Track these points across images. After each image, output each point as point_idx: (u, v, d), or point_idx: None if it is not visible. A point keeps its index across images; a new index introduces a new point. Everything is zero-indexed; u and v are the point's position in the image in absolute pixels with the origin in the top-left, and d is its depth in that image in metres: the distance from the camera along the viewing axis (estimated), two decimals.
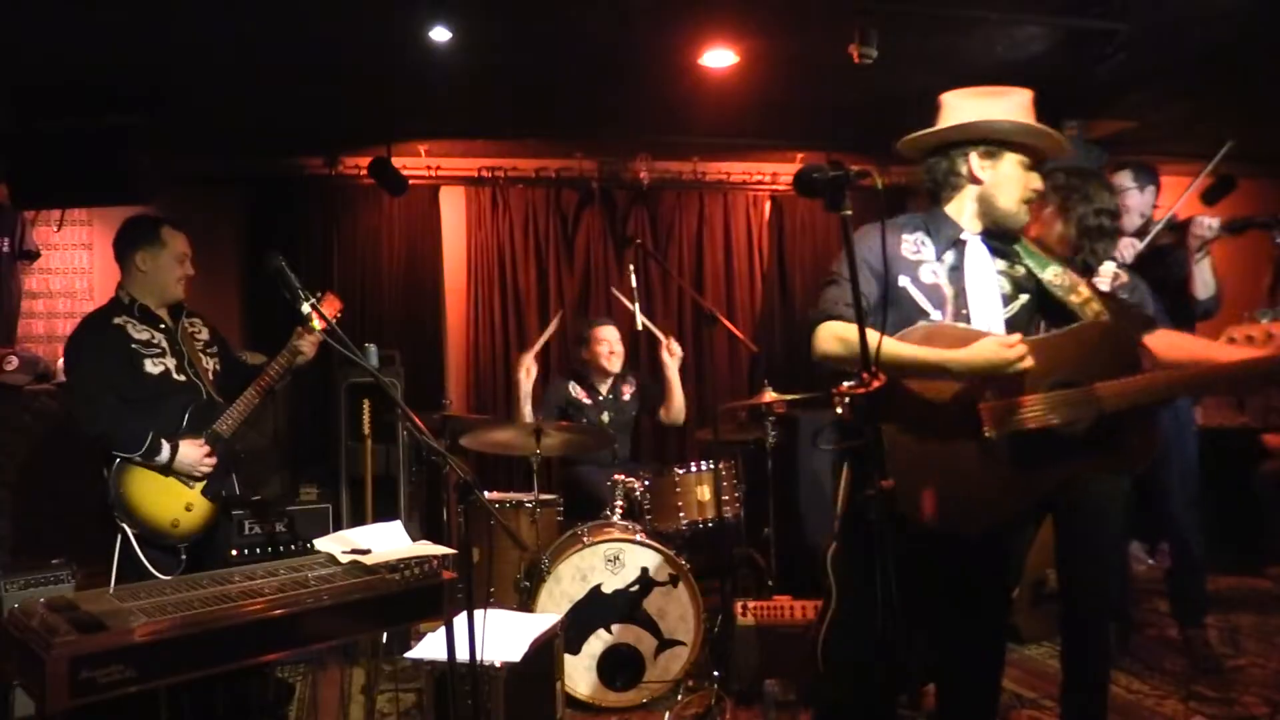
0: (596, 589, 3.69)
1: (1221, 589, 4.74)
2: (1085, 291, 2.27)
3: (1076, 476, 2.23)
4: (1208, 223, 3.56)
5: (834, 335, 2.15)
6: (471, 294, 5.73)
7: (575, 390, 4.64)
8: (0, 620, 2.29)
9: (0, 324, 4.84)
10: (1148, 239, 3.66)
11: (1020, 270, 2.32)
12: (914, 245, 2.25)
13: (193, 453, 3.08)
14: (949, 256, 2.25)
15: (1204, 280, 3.68)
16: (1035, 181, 2.27)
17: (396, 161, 5.26)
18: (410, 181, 5.38)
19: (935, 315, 2.20)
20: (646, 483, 4.08)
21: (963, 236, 2.26)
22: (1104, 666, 3.03)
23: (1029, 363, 2.02)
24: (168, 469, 3.04)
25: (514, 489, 4.96)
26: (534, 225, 5.77)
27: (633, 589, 3.71)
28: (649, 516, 4.01)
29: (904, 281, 2.20)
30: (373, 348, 4.59)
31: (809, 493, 4.85)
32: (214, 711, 2.86)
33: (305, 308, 2.51)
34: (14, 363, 4.74)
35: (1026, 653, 4.14)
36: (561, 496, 4.39)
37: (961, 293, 2.22)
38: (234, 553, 3.82)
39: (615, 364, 4.61)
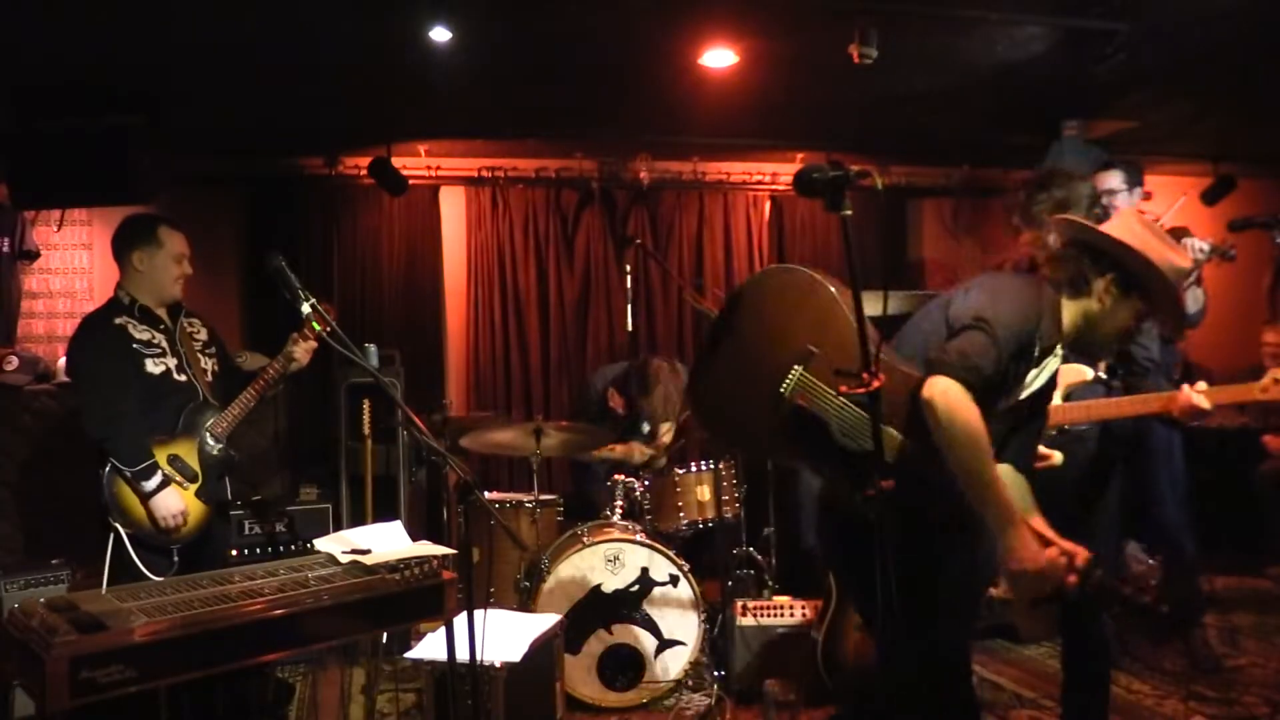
0: (596, 589, 3.69)
1: (1221, 589, 4.74)
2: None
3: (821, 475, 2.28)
4: (1199, 245, 3.56)
5: (950, 407, 1.97)
6: (471, 294, 5.74)
7: (613, 399, 4.63)
8: (0, 620, 2.29)
9: (0, 324, 4.84)
10: None
11: None
12: (1038, 333, 2.15)
13: (174, 502, 3.04)
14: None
15: (1194, 296, 3.69)
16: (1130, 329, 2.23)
17: (396, 161, 5.26)
18: (410, 181, 5.38)
19: (1004, 402, 2.14)
20: (646, 483, 4.08)
21: (1059, 348, 2.20)
22: (1104, 666, 3.04)
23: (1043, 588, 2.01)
24: (145, 499, 3.01)
25: (514, 489, 4.96)
26: (534, 225, 5.78)
27: (633, 589, 3.71)
28: (649, 516, 4.01)
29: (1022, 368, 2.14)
30: (373, 348, 4.59)
31: (809, 492, 4.85)
32: (214, 711, 2.86)
33: (305, 308, 2.51)
34: (14, 363, 4.74)
35: (1026, 653, 4.14)
36: (571, 488, 4.38)
37: (1018, 385, 2.17)
38: (234, 553, 3.82)
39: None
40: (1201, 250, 3.54)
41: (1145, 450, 3.76)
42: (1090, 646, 3.01)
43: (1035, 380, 2.16)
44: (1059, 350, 2.19)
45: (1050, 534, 2.08)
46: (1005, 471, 2.20)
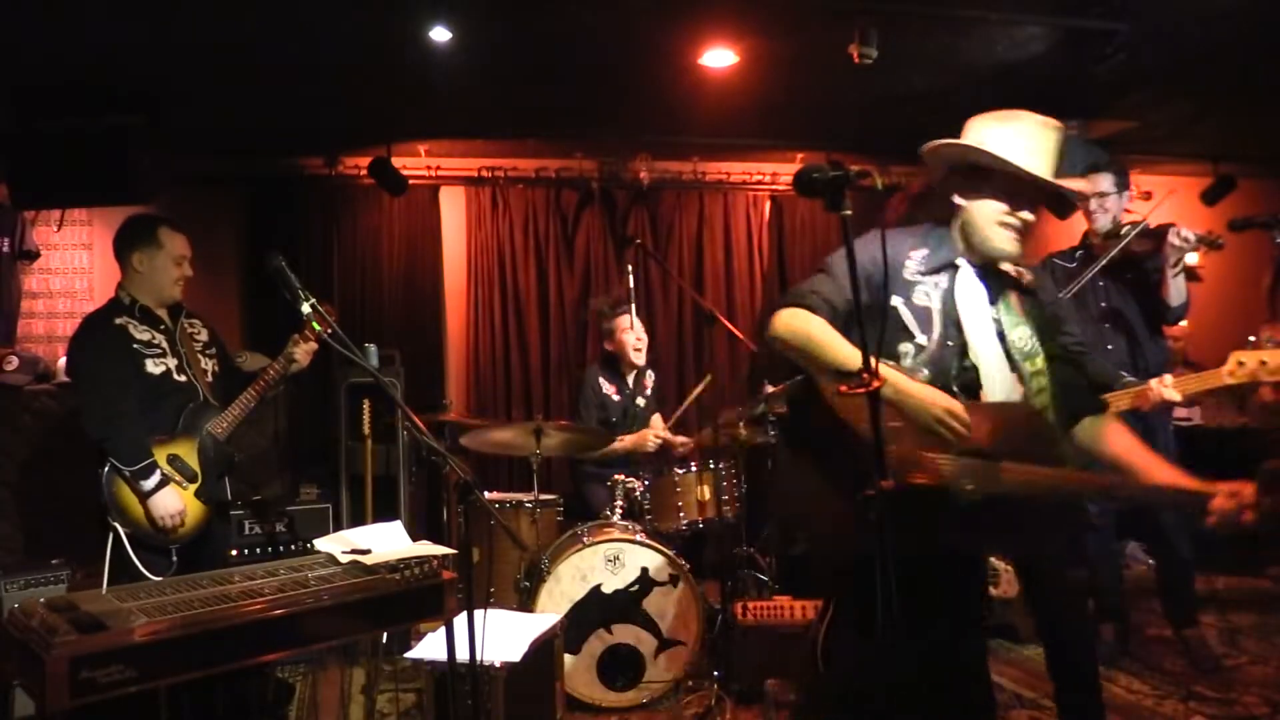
0: (596, 589, 3.69)
1: (1221, 589, 4.74)
2: (1041, 364, 2.20)
3: (948, 548, 2.16)
4: (1184, 234, 3.57)
5: (788, 324, 2.15)
6: (471, 294, 5.74)
7: (605, 386, 4.63)
8: (0, 620, 2.29)
9: (0, 324, 4.84)
10: (1120, 245, 3.69)
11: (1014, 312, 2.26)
12: (917, 264, 2.20)
13: (172, 502, 3.04)
14: (942, 280, 2.21)
15: (1178, 289, 3.70)
16: (1019, 214, 2.17)
17: (396, 161, 5.26)
18: (410, 181, 5.38)
19: (920, 339, 2.17)
20: (646, 483, 4.08)
21: (956, 261, 2.22)
22: (1093, 663, 3.02)
23: (960, 440, 2.02)
24: (144, 498, 3.02)
25: (514, 489, 4.96)
26: (534, 225, 5.78)
27: (633, 589, 3.71)
28: (649, 516, 4.01)
29: (896, 301, 2.17)
30: (372, 348, 4.59)
31: None
32: (214, 711, 2.86)
33: (305, 308, 2.50)
34: (14, 363, 4.74)
35: (1026, 653, 4.13)
36: (572, 489, 4.38)
37: (955, 322, 2.17)
38: (234, 553, 3.82)
39: (641, 357, 4.61)
40: (1186, 239, 3.55)
41: (1153, 446, 3.75)
42: (1075, 648, 3.01)
43: (936, 302, 2.18)
44: (961, 265, 2.20)
45: (1203, 484, 2.01)
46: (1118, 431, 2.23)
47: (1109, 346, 3.80)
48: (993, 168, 2.15)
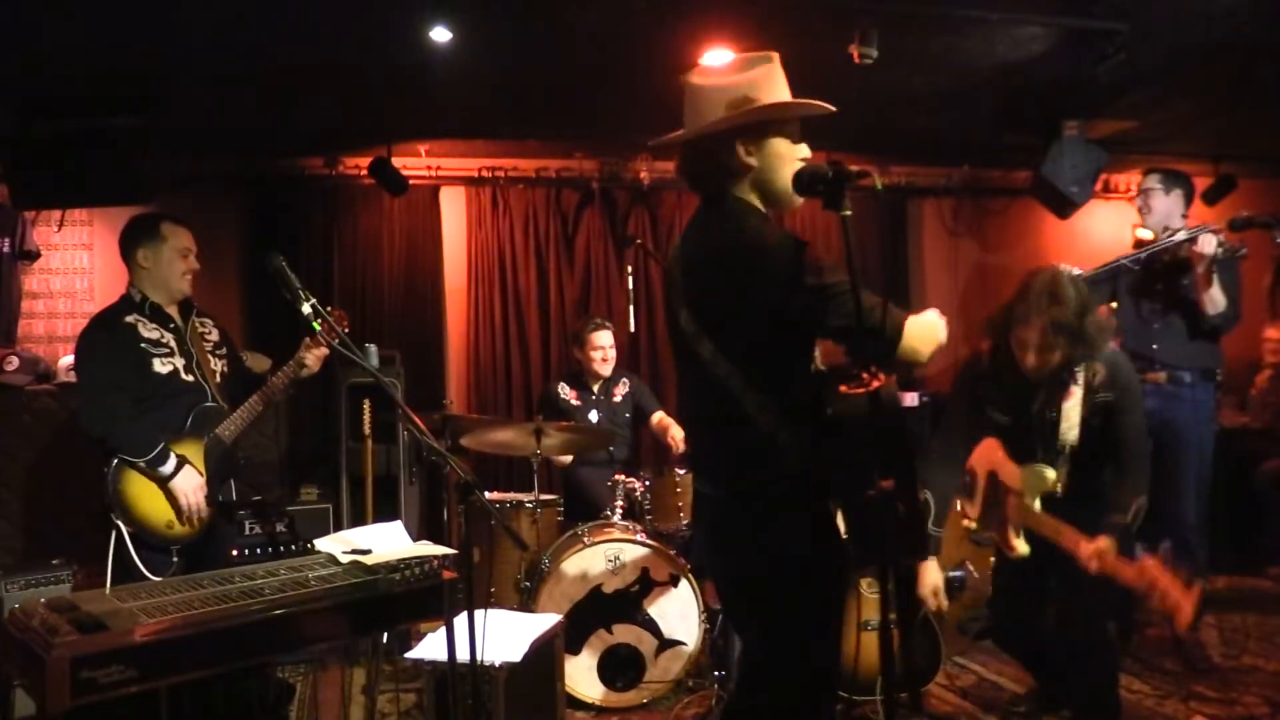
0: (596, 589, 3.69)
1: (1221, 589, 4.74)
2: None
3: None
4: (1204, 242, 3.56)
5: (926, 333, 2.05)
6: (472, 294, 5.74)
7: (565, 391, 4.71)
8: (1, 620, 2.29)
9: (0, 324, 4.84)
10: (1147, 250, 3.70)
11: None
12: None
13: (193, 480, 3.07)
14: None
15: (1213, 299, 3.67)
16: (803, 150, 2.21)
17: (396, 161, 5.25)
18: (410, 181, 5.37)
19: None
20: (646, 483, 4.08)
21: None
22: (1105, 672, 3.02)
23: None
24: (165, 483, 3.03)
25: (514, 489, 4.96)
26: (534, 225, 5.77)
27: (633, 589, 3.71)
28: (649, 516, 4.01)
29: None
30: (373, 348, 4.59)
31: None
32: (214, 711, 2.86)
33: (306, 308, 2.50)
34: (14, 363, 4.74)
35: None
36: (561, 497, 4.39)
37: None
38: (234, 553, 3.81)
39: (607, 369, 4.70)
40: (1222, 244, 3.54)
41: (1184, 444, 3.74)
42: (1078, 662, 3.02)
43: None
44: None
45: None
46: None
47: (1154, 346, 3.78)
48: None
